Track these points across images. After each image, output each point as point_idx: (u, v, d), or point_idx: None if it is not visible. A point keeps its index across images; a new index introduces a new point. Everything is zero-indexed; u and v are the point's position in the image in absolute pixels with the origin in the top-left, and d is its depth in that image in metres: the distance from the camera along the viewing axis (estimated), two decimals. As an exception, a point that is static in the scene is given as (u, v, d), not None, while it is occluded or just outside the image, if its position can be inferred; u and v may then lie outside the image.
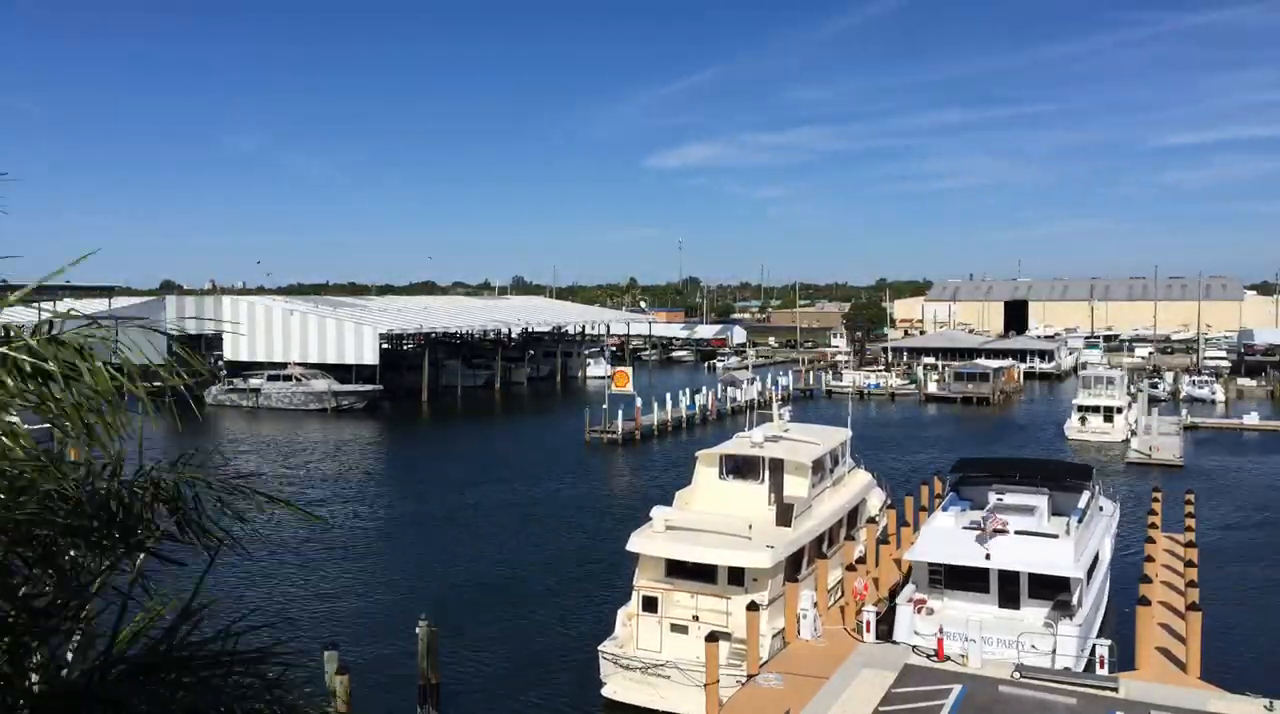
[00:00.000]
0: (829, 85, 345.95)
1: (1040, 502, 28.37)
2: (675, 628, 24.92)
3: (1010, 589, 25.24)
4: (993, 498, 29.16)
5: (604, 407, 69.11)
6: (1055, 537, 25.84)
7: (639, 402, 71.52)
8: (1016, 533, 25.76)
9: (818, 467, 30.54)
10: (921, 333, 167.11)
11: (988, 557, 25.01)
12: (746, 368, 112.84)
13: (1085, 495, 29.54)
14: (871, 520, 35.02)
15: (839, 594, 28.69)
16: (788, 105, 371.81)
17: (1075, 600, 24.64)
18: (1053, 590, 24.87)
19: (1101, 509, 31.79)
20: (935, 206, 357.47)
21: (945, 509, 29.05)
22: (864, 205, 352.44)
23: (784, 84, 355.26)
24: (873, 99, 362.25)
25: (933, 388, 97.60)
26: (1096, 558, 27.55)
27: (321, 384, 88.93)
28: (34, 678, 4.97)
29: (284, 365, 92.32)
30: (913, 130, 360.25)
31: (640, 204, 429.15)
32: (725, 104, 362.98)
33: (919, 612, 25.13)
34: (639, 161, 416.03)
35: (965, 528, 26.67)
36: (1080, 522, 26.98)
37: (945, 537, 26.54)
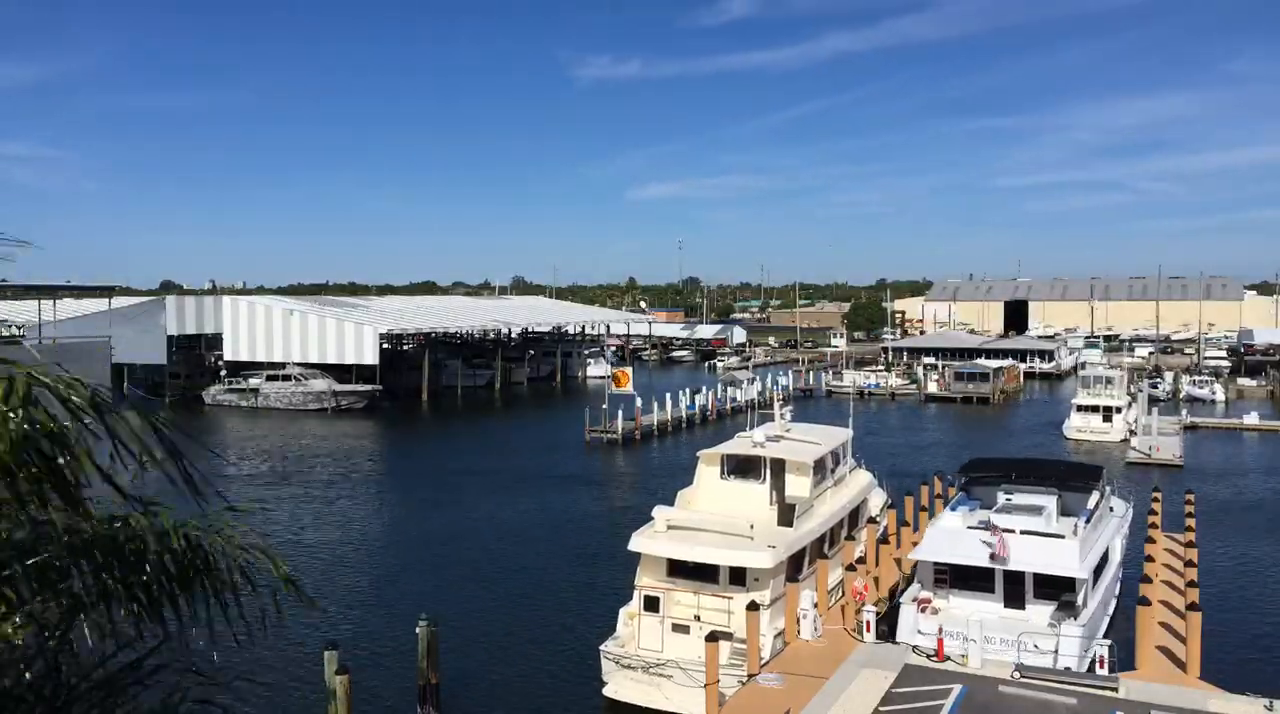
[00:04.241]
0: (746, 154, 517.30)
1: (1049, 502, 28.29)
2: (677, 628, 24.91)
3: (1015, 589, 25.22)
4: (1001, 498, 29.10)
5: (604, 407, 69.12)
6: (1061, 537, 25.80)
7: (639, 401, 71.53)
8: (1023, 533, 25.73)
9: (819, 467, 30.53)
10: (921, 333, 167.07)
11: (992, 556, 25.01)
12: (747, 368, 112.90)
13: (1095, 496, 29.49)
14: (872, 520, 35.02)
15: (839, 594, 28.69)
16: (718, 164, 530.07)
17: (1080, 601, 24.63)
18: (1058, 590, 24.87)
19: (1112, 510, 31.74)
20: (851, 224, 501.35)
21: (954, 509, 28.98)
22: (797, 222, 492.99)
23: (714, 153, 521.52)
24: (781, 159, 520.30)
25: (933, 388, 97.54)
26: (1105, 559, 27.51)
27: (321, 384, 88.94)
28: None
29: (283, 365, 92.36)
30: (816, 176, 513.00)
31: (633, 221, 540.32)
32: (674, 163, 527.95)
33: (923, 611, 25.11)
34: (622, 195, 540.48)
35: (971, 528, 26.66)
36: (1088, 522, 26.95)
37: (951, 536, 26.51)
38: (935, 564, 26.14)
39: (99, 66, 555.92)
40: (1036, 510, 27.61)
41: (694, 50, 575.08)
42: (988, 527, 26.03)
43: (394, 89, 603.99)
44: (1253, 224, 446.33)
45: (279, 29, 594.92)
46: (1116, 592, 29.32)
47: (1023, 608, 25.06)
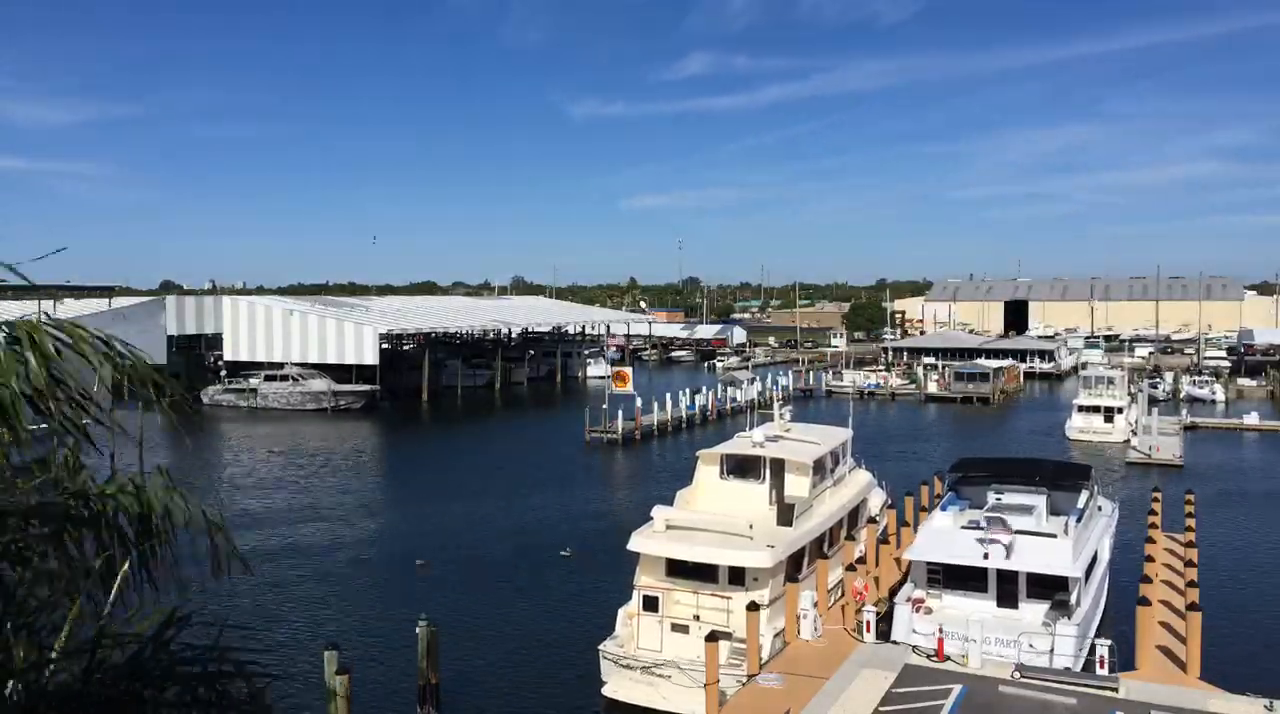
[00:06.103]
0: (728, 172, 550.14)
1: (1039, 501, 28.37)
2: (676, 627, 24.91)
3: (1008, 589, 25.24)
4: (991, 497, 29.16)
5: (604, 407, 69.12)
6: (1054, 536, 25.84)
7: (639, 401, 71.53)
8: (1015, 532, 25.77)
9: (819, 466, 30.54)
10: (921, 333, 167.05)
11: (986, 556, 25.01)
12: (747, 368, 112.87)
13: (1084, 495, 29.54)
14: (872, 520, 35.00)
15: (839, 594, 28.67)
16: (704, 179, 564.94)
17: (1074, 600, 24.65)
18: (1051, 590, 24.87)
19: (1100, 509, 31.78)
20: (847, 226, 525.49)
21: (944, 509, 29.02)
22: (791, 225, 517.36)
23: (698, 170, 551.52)
24: (761, 176, 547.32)
25: (933, 388, 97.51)
26: (1095, 557, 27.56)
27: (319, 384, 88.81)
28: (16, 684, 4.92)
29: (282, 365, 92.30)
30: (797, 190, 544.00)
31: (631, 223, 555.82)
32: (664, 178, 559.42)
33: (917, 611, 25.13)
34: (615, 203, 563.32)
35: (964, 527, 26.67)
36: (1079, 521, 26.98)
37: (944, 536, 26.53)
38: (929, 564, 26.16)
39: (102, 78, 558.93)
40: (1027, 510, 27.66)
41: (663, 96, 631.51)
42: (980, 526, 26.05)
43: (396, 92, 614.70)
44: (1249, 227, 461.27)
45: (277, 31, 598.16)
46: (1105, 590, 29.37)
47: (1016, 607, 25.10)
